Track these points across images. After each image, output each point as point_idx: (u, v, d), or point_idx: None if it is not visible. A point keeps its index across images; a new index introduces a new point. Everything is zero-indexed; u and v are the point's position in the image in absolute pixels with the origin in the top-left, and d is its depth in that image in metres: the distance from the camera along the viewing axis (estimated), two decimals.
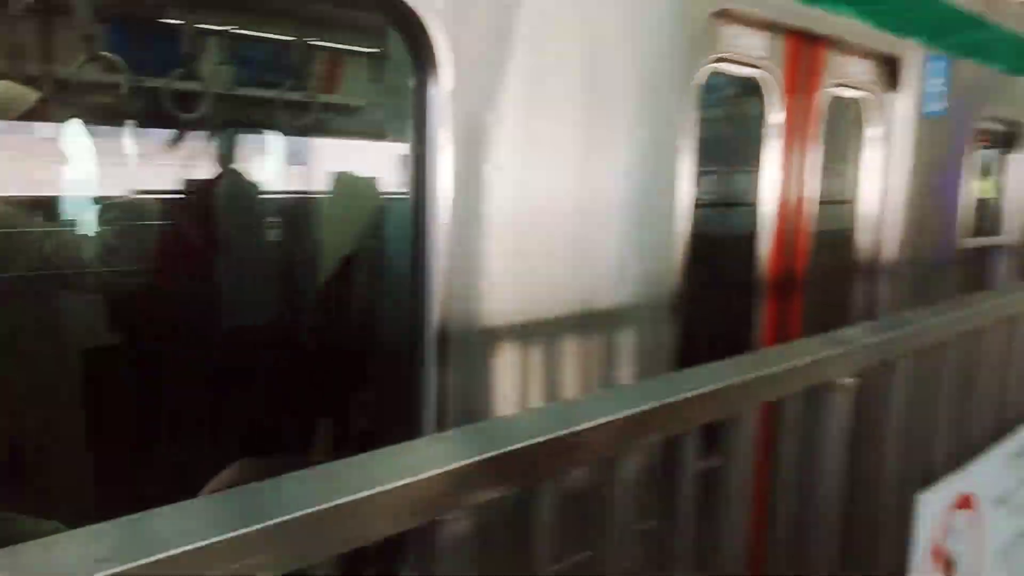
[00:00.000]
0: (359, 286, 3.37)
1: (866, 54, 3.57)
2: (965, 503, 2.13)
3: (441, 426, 2.05)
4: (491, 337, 2.15)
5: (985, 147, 4.82)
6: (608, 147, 2.41)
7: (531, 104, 2.20)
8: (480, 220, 2.11)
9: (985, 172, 5.06)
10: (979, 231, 4.82)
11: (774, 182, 3.27)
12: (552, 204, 2.28)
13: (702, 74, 2.76)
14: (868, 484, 1.83)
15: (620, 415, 1.11)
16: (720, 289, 3.46)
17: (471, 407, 2.12)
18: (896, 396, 1.82)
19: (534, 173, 2.24)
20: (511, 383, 2.21)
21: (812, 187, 3.41)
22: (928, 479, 2.03)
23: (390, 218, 3.02)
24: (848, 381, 1.57)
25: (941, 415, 2.04)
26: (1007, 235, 5.11)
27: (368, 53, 3.55)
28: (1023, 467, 2.47)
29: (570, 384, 2.36)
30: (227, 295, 3.60)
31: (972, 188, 4.53)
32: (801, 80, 3.28)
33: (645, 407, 1.17)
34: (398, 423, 2.23)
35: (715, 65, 2.87)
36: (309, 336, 3.59)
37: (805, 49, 3.28)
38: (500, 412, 2.16)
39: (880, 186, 3.78)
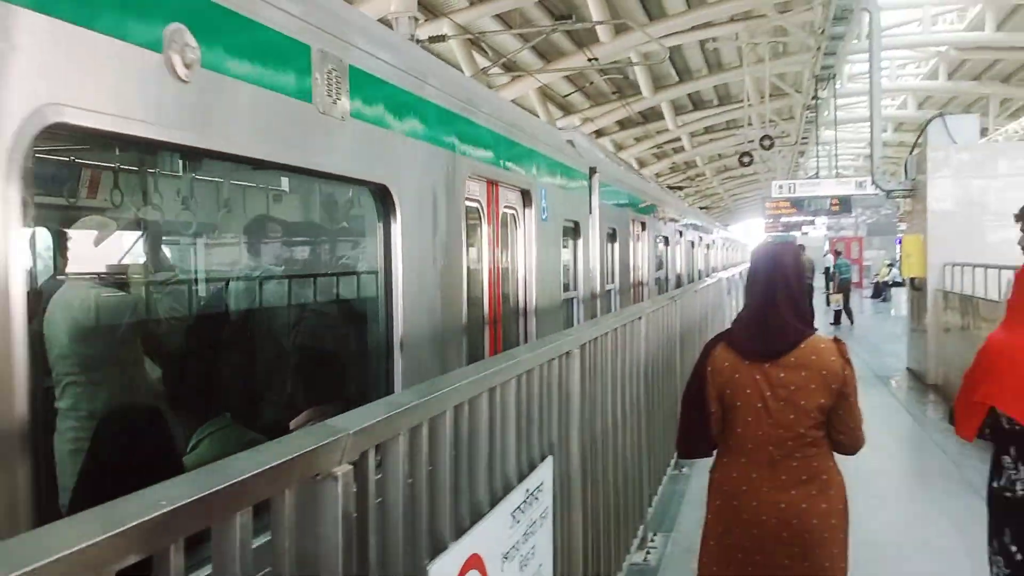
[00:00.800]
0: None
1: (514, 188, 6.09)
2: (474, 563, 2.25)
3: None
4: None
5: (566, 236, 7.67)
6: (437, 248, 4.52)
7: (422, 227, 4.31)
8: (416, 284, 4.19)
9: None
10: (565, 287, 7.51)
11: (486, 259, 5.69)
12: (430, 277, 4.43)
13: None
14: (382, 565, 1.84)
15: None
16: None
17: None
18: (392, 475, 1.87)
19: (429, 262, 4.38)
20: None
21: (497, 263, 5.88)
22: (439, 548, 2.12)
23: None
24: (343, 469, 1.58)
25: (444, 484, 2.15)
26: (577, 290, 8.00)
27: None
28: (521, 521, 2.67)
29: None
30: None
31: (561, 259, 7.26)
32: (492, 205, 5.71)
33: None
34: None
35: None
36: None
37: (492, 188, 5.67)
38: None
39: (526, 259, 6.34)
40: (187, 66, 2.46)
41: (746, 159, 26.44)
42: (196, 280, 4.22)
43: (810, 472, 3.05)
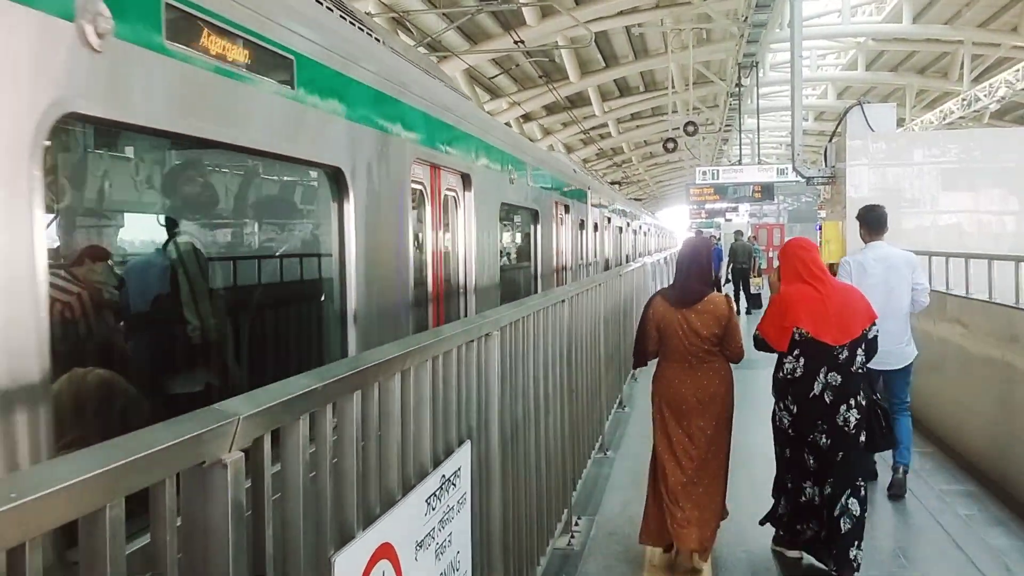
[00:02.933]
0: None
1: (454, 171, 6.39)
2: (384, 553, 2.15)
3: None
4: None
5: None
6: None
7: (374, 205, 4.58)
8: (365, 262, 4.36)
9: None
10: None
11: (432, 238, 6.02)
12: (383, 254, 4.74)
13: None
14: (282, 560, 1.72)
15: None
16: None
17: None
18: (291, 463, 1.75)
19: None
20: None
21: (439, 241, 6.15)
22: (346, 538, 2.01)
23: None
24: (233, 456, 1.47)
25: (351, 471, 2.04)
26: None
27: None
28: (436, 508, 2.58)
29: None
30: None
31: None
32: (436, 188, 6.00)
33: None
34: None
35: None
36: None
37: (435, 172, 5.96)
38: None
39: (465, 239, 6.66)
40: None
41: (670, 145, 26.69)
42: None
43: (712, 370, 5.02)
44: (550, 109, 31.23)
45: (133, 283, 3.35)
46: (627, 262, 18.03)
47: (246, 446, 1.52)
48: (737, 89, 25.46)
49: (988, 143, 12.71)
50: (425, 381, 2.59)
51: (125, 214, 3.40)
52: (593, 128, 35.20)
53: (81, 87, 2.39)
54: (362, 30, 5.31)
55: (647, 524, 5.08)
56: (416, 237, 5.53)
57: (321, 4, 4.66)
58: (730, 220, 41.44)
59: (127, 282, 3.27)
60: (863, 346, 4.83)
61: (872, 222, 6.62)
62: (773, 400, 5.05)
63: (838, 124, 13.61)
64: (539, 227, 9.81)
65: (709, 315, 4.99)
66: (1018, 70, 22.59)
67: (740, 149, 29.18)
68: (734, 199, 25.85)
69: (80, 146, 2.83)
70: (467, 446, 3.01)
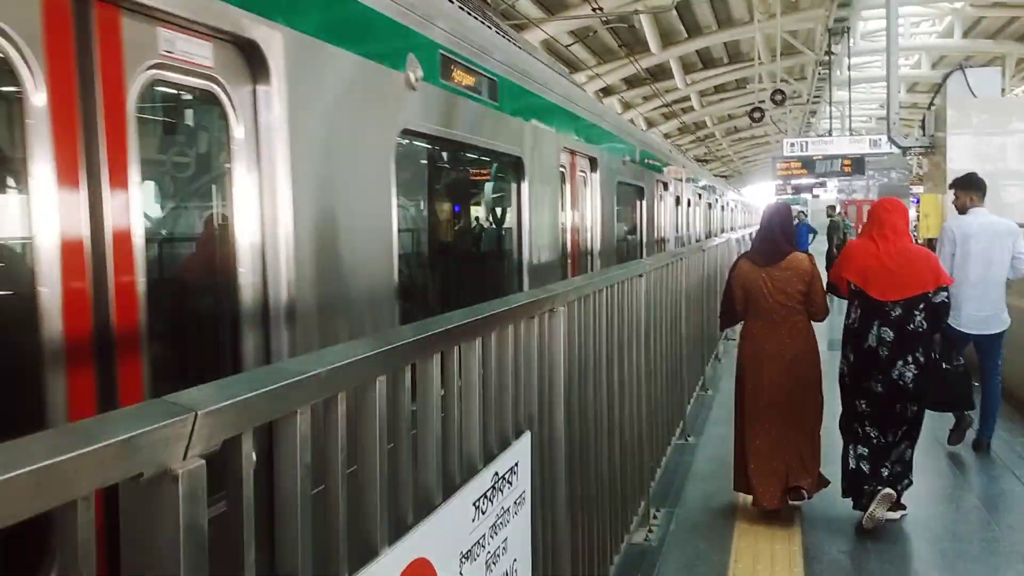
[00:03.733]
0: None
1: (585, 156, 7.53)
2: (419, 570, 1.78)
3: None
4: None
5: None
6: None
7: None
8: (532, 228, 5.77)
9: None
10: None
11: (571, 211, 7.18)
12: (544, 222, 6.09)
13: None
14: None
15: None
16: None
17: None
18: (286, 468, 1.38)
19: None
20: None
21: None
22: (367, 556, 1.64)
23: None
24: (189, 466, 1.10)
25: (374, 474, 1.66)
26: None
27: None
28: (487, 511, 2.21)
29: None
30: None
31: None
32: (573, 170, 7.18)
33: None
34: None
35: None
36: None
37: (573, 157, 7.14)
38: None
39: (592, 212, 7.81)
40: None
41: (757, 114, 25.54)
42: None
43: (796, 328, 5.19)
44: (630, 82, 30.44)
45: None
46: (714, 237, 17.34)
47: (212, 449, 1.15)
48: (827, 57, 24.23)
49: None
50: (474, 363, 2.20)
51: (431, 190, 5.08)
52: (675, 102, 34.21)
53: (409, 112, 3.87)
54: (521, 49, 6.64)
55: (738, 475, 5.39)
56: (561, 210, 6.74)
57: (501, 35, 5.98)
58: (817, 196, 40.02)
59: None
60: (925, 307, 4.88)
61: (974, 185, 6.69)
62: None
63: (938, 90, 12.71)
64: (644, 203, 10.60)
65: (792, 272, 5.20)
66: None
67: (830, 121, 27.88)
68: (822, 174, 24.72)
69: (407, 148, 4.23)
70: (526, 437, 2.62)
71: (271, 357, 2.78)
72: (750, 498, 5.29)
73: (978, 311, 6.41)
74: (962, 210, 6.70)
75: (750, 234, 13.87)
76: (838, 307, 5.62)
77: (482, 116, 4.86)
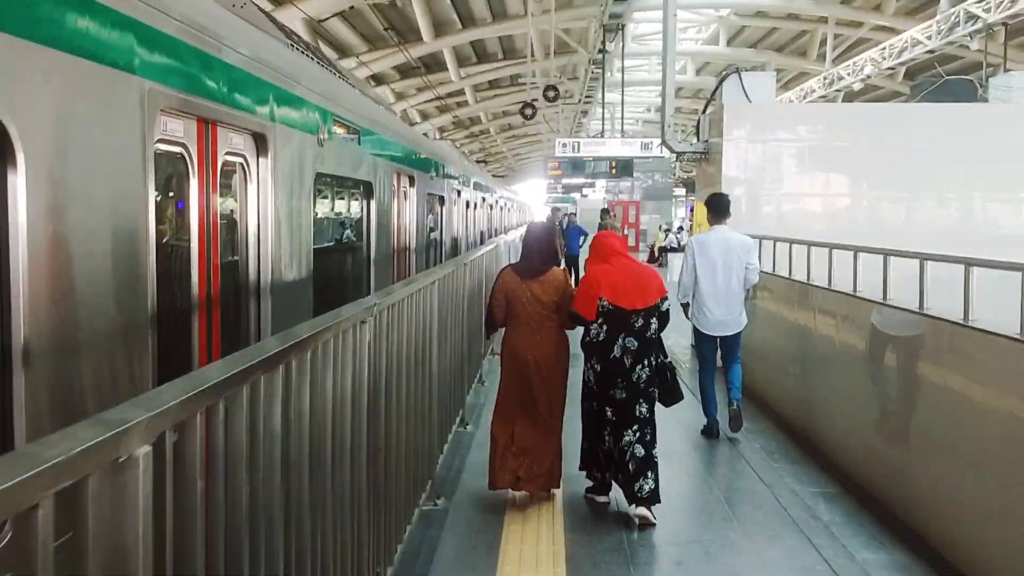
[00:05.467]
0: None
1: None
2: None
3: None
4: None
5: None
6: None
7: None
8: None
9: None
10: None
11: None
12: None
13: None
14: None
15: None
16: None
17: None
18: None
19: None
20: None
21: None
22: None
23: None
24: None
25: None
26: None
27: None
28: None
29: None
30: None
31: None
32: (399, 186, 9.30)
33: None
34: None
35: None
36: None
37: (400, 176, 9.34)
38: None
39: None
40: None
41: (528, 111, 24.59)
42: None
43: (550, 335, 5.88)
44: (403, 72, 28.90)
45: None
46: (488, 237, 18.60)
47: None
48: (600, 56, 23.79)
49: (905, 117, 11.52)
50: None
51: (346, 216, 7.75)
52: (450, 95, 33.06)
53: (320, 161, 5.97)
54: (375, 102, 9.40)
55: (494, 472, 5.80)
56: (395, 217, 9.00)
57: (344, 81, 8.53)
58: (586, 196, 40.38)
59: None
60: (656, 316, 5.72)
61: (717, 207, 7.77)
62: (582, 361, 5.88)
63: (713, 93, 12.12)
64: (444, 208, 12.67)
65: (549, 284, 5.89)
66: (884, 47, 21.98)
67: (603, 123, 27.69)
68: (591, 174, 24.35)
69: (320, 186, 6.32)
70: None
71: None
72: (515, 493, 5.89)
73: (715, 315, 7.52)
74: (711, 225, 7.76)
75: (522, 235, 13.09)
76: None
77: (354, 156, 7.20)
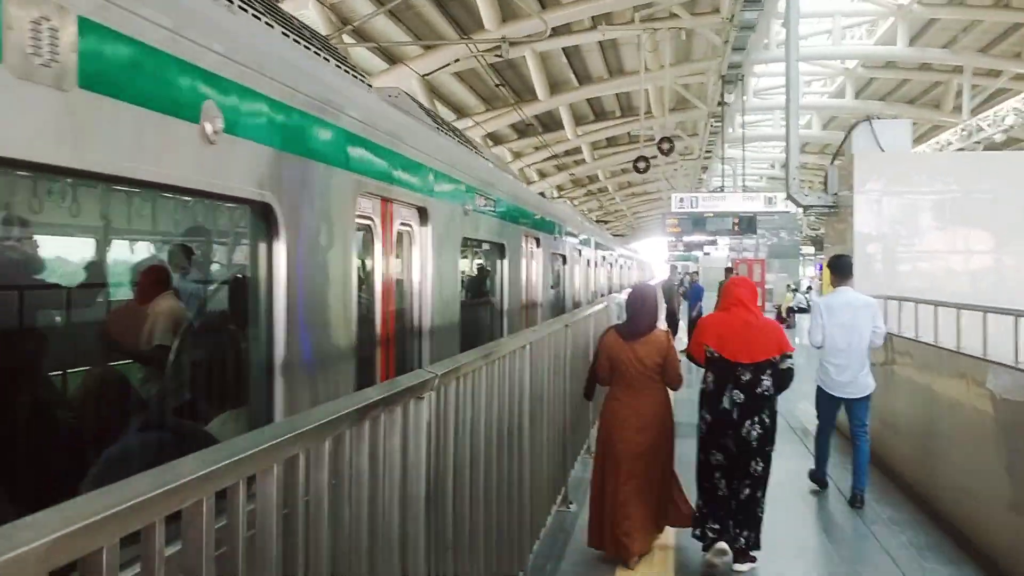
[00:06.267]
0: None
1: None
2: None
3: None
4: None
5: None
6: None
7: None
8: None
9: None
10: None
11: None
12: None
13: None
14: None
15: None
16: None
17: None
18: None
19: None
20: None
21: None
22: None
23: None
24: None
25: None
26: None
27: None
28: None
29: None
30: None
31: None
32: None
33: None
34: None
35: None
36: None
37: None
38: None
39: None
40: None
41: (641, 164, 23.48)
42: None
43: (653, 395, 5.88)
44: (520, 131, 28.87)
45: None
46: (607, 294, 19.02)
47: None
48: (720, 108, 22.98)
49: None
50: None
51: None
52: (567, 153, 32.84)
53: (466, 227, 7.27)
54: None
55: (592, 530, 5.85)
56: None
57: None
58: (708, 254, 39.21)
59: None
60: (771, 372, 5.53)
61: (840, 269, 7.76)
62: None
63: (842, 143, 11.23)
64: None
65: (652, 346, 5.89)
66: None
67: (723, 178, 26.71)
68: (712, 232, 23.42)
69: (465, 248, 7.81)
70: None
71: None
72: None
73: (841, 376, 7.36)
74: (834, 287, 7.78)
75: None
76: (697, 377, 6.10)
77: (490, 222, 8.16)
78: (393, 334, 5.59)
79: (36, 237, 3.27)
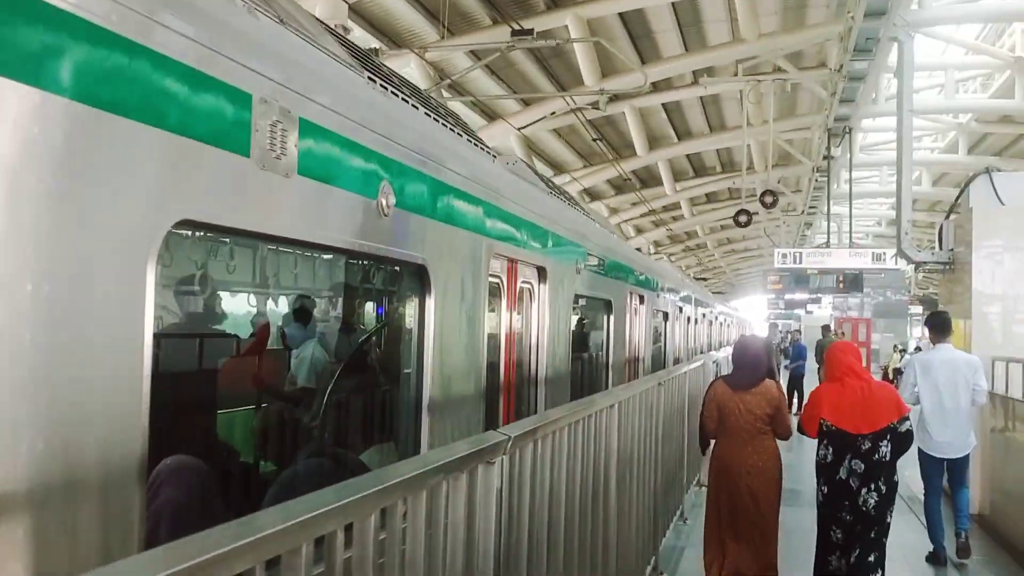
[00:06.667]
0: None
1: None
2: None
3: None
4: None
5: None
6: None
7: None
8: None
9: None
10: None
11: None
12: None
13: None
14: None
15: None
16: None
17: None
18: None
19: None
20: None
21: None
22: None
23: None
24: None
25: None
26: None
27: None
28: None
29: None
30: None
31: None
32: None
33: None
34: None
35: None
36: None
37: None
38: None
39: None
40: None
41: (743, 218, 22.79)
42: None
43: (763, 448, 5.99)
44: (618, 187, 28.77)
45: None
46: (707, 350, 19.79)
47: None
48: (825, 163, 22.30)
49: None
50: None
51: None
52: (665, 209, 32.52)
53: (578, 284, 7.76)
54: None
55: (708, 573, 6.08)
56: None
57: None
58: (811, 312, 38.06)
59: None
60: (890, 437, 5.44)
61: (939, 326, 7.70)
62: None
63: (958, 197, 10.71)
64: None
65: (762, 396, 5.99)
66: None
67: (828, 233, 25.79)
68: (815, 289, 22.64)
69: (576, 304, 8.26)
70: None
71: None
72: None
73: (942, 436, 7.23)
74: (933, 344, 7.77)
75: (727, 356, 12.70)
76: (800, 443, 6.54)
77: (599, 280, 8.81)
78: (514, 381, 6.25)
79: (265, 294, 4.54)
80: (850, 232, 25.52)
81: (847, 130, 20.23)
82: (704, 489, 8.83)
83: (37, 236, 1.98)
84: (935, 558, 7.26)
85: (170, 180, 2.45)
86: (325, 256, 4.27)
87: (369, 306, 4.92)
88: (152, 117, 2.35)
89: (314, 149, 3.20)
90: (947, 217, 11.04)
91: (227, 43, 2.72)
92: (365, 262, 4.27)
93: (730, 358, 7.08)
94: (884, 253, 18.68)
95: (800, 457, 9.35)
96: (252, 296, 4.62)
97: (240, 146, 2.77)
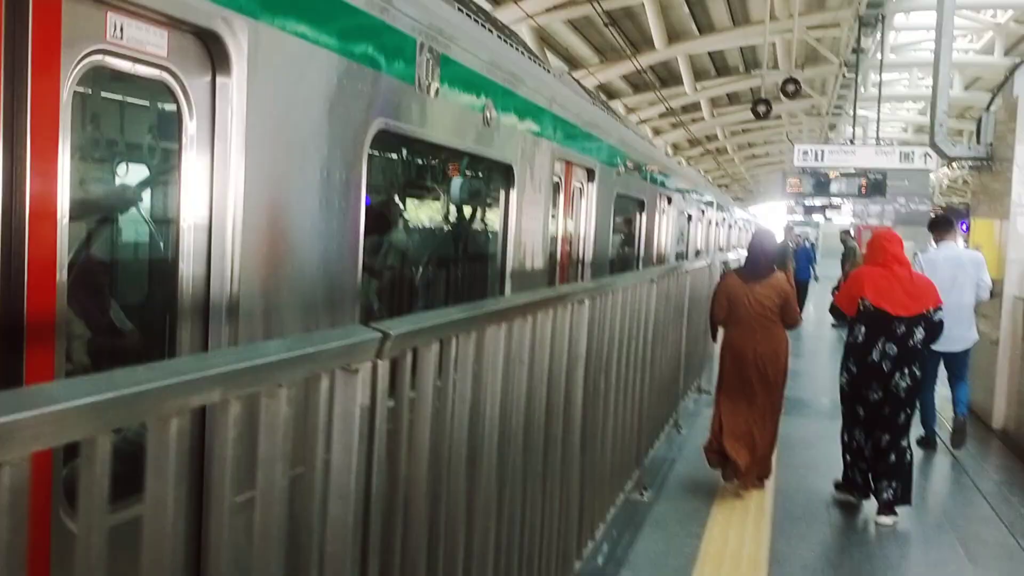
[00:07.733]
0: None
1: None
2: None
3: None
4: None
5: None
6: None
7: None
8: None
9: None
10: None
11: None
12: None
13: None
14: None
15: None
16: None
17: None
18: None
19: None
20: None
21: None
22: None
23: None
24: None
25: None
26: None
27: None
28: None
29: None
30: None
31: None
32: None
33: None
34: None
35: None
36: None
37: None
38: None
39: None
40: None
41: (762, 108, 21.48)
42: None
43: (772, 335, 6.25)
44: (636, 86, 27.58)
45: None
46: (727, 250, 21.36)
47: None
48: (854, 56, 20.93)
49: None
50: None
51: None
52: (684, 109, 31.31)
53: (618, 186, 9.07)
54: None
55: (710, 455, 6.46)
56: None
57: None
58: (830, 219, 37.04)
59: None
60: (924, 324, 5.73)
61: (941, 226, 8.07)
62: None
63: (1000, 87, 9.79)
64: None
65: (771, 288, 6.30)
66: None
67: (853, 130, 24.49)
68: (835, 194, 21.59)
69: (617, 203, 9.18)
70: None
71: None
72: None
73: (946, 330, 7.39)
74: (936, 244, 8.13)
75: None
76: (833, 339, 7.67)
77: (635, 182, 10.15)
78: (567, 261, 7.73)
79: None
80: (877, 130, 24.24)
81: (880, 18, 18.86)
82: (704, 396, 9.76)
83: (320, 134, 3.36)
84: (925, 442, 7.86)
85: (375, 102, 3.75)
86: (454, 161, 5.61)
87: (479, 196, 6.29)
88: (368, 61, 3.63)
89: (449, 79, 4.50)
90: (987, 110, 10.12)
91: (403, 2, 3.99)
92: (476, 162, 5.66)
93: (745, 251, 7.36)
94: (912, 152, 17.62)
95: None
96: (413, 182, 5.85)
97: (408, 77, 4.05)
